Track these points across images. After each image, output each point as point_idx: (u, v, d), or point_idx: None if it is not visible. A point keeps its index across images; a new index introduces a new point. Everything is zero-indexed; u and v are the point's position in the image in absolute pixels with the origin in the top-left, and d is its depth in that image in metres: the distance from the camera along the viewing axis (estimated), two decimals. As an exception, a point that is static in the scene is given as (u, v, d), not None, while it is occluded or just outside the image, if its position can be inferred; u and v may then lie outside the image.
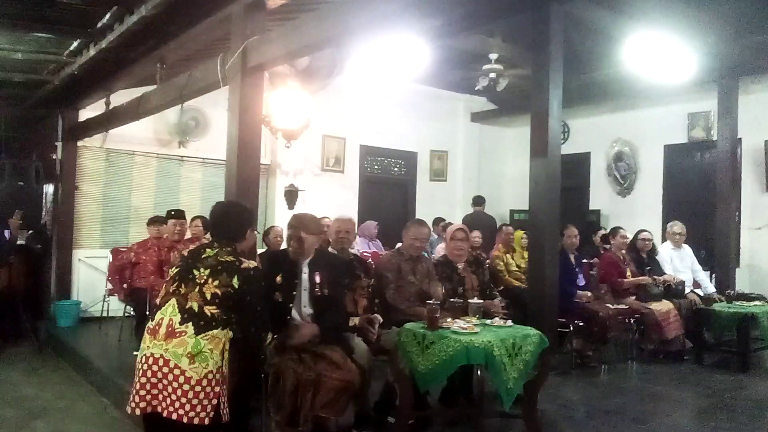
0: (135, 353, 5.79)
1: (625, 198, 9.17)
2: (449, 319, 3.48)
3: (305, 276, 3.44)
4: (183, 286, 2.62)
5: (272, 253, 3.69)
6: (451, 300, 3.84)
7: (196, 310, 2.55)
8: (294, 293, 3.39)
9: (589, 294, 5.60)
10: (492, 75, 7.30)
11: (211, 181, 7.88)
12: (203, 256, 2.70)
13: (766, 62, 6.90)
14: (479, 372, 3.40)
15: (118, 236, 7.46)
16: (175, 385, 2.45)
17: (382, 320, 4.02)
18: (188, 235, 5.95)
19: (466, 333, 3.26)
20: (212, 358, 2.49)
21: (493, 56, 7.17)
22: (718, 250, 7.25)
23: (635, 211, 8.81)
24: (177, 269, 2.72)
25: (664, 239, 7.07)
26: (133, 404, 2.53)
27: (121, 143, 7.36)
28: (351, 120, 9.16)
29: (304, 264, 3.45)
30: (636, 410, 4.28)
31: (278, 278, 3.37)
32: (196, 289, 2.58)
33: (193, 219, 5.92)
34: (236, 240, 2.81)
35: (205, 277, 2.60)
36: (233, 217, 2.87)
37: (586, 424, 3.98)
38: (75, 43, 4.97)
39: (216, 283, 2.58)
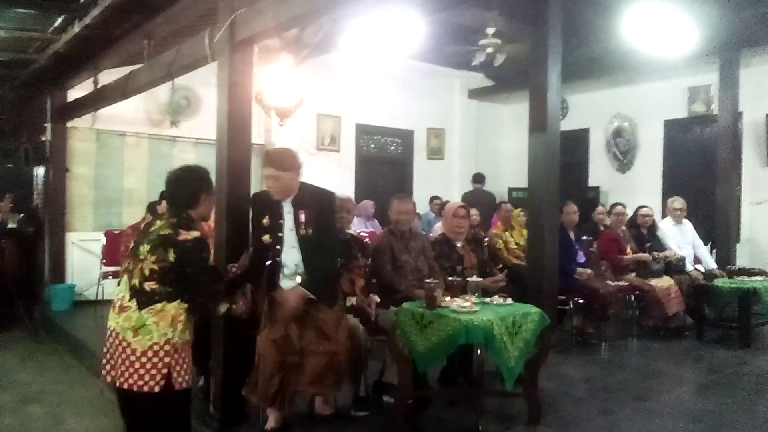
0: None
1: (625, 174, 9.08)
2: (448, 298, 3.42)
3: (289, 216, 3.25)
4: (132, 262, 2.66)
5: (259, 194, 3.47)
6: (450, 278, 3.77)
7: (138, 286, 2.59)
8: (280, 234, 3.21)
9: (589, 271, 5.55)
10: (489, 50, 7.12)
11: (205, 162, 7.57)
12: (150, 230, 2.70)
13: (768, 34, 6.77)
14: (479, 351, 3.33)
15: (112, 218, 7.35)
16: (123, 356, 2.56)
17: (379, 300, 3.96)
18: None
19: (465, 312, 3.19)
20: (157, 330, 2.54)
21: (490, 30, 6.99)
22: (718, 225, 7.18)
23: (635, 187, 8.73)
24: (131, 245, 2.77)
25: (664, 215, 7.01)
26: (102, 373, 2.67)
27: (111, 124, 7.22)
28: (346, 98, 9.02)
29: (287, 203, 3.26)
30: (638, 387, 4.25)
31: (265, 220, 3.22)
32: (139, 266, 2.61)
33: None
34: (189, 206, 2.74)
35: (145, 253, 2.61)
36: (184, 182, 2.79)
37: (588, 402, 3.94)
38: (59, 20, 4.83)
39: (153, 258, 2.58)
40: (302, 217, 3.23)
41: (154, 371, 2.53)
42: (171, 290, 2.58)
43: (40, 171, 7.62)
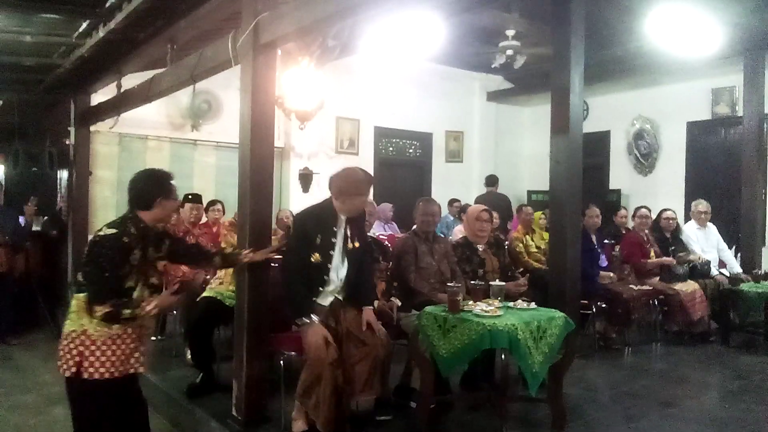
0: (152, 338, 5.80)
1: (647, 177, 8.98)
2: (470, 302, 3.39)
3: (341, 231, 3.29)
4: None
5: (306, 214, 3.38)
6: (472, 282, 3.74)
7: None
8: (331, 253, 3.25)
9: (612, 275, 5.49)
10: (509, 52, 7.10)
11: (225, 165, 7.82)
12: None
13: (795, 34, 6.65)
14: (503, 356, 3.30)
15: (133, 221, 7.42)
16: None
17: (400, 304, 3.95)
18: (203, 219, 5.87)
19: (489, 316, 3.16)
20: (77, 319, 2.68)
21: (510, 32, 6.97)
22: (743, 228, 7.07)
23: (657, 190, 8.63)
24: None
25: (687, 218, 6.91)
26: None
27: (133, 127, 7.30)
28: (365, 101, 9.04)
29: (342, 219, 3.30)
30: (662, 393, 4.19)
31: (318, 239, 3.21)
32: None
33: (212, 203, 5.82)
34: (143, 208, 2.80)
35: None
36: (141, 184, 2.84)
37: (612, 408, 3.89)
38: (84, 25, 4.87)
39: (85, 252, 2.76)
40: (349, 231, 3.30)
41: (68, 356, 2.67)
42: (86, 283, 2.70)
43: (63, 174, 7.72)
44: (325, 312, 3.23)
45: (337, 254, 3.26)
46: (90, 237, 7.02)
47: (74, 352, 2.66)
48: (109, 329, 2.69)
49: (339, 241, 3.27)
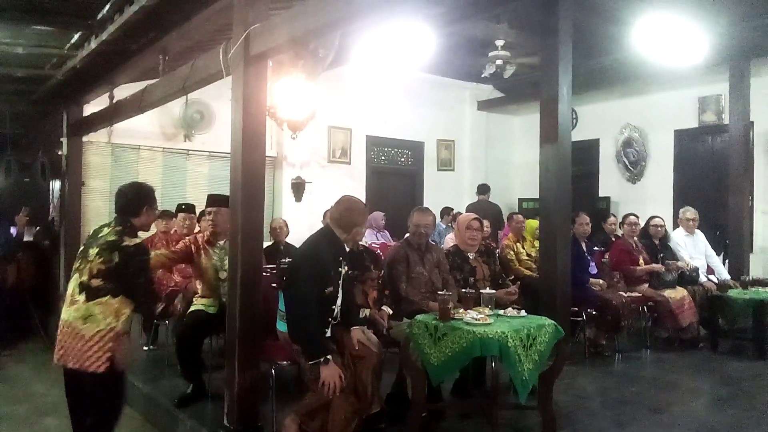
0: (145, 348, 5.80)
1: (635, 184, 9.06)
2: (461, 310, 3.42)
3: (344, 261, 3.37)
4: (81, 263, 3.07)
5: (323, 245, 3.31)
6: (463, 290, 3.77)
7: (86, 282, 2.99)
8: (339, 282, 3.30)
9: (602, 282, 5.54)
10: (499, 62, 7.18)
11: (218, 175, 7.84)
12: (99, 236, 3.11)
13: (780, 43, 6.76)
14: (493, 364, 3.33)
15: (125, 231, 7.41)
16: (74, 341, 2.95)
17: (391, 312, 3.97)
18: (196, 229, 5.88)
19: (479, 324, 3.20)
20: (103, 320, 2.94)
21: (500, 43, 7.05)
22: (731, 235, 7.15)
23: (646, 198, 8.71)
24: (81, 248, 3.18)
25: (675, 225, 6.98)
26: (54, 358, 3.07)
27: (126, 138, 7.30)
28: (357, 110, 9.09)
29: (345, 248, 3.39)
30: (652, 399, 4.23)
31: (333, 272, 3.25)
32: (87, 266, 3.02)
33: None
34: (132, 215, 3.15)
35: (93, 255, 3.02)
36: (129, 194, 3.21)
37: (603, 415, 3.92)
38: (76, 36, 4.89)
39: (101, 260, 2.98)
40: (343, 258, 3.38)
41: (99, 353, 2.91)
42: (113, 286, 2.96)
43: (56, 185, 7.70)
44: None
45: (341, 283, 3.32)
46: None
47: (105, 348, 2.91)
48: (127, 327, 3.02)
49: (343, 270, 3.33)
